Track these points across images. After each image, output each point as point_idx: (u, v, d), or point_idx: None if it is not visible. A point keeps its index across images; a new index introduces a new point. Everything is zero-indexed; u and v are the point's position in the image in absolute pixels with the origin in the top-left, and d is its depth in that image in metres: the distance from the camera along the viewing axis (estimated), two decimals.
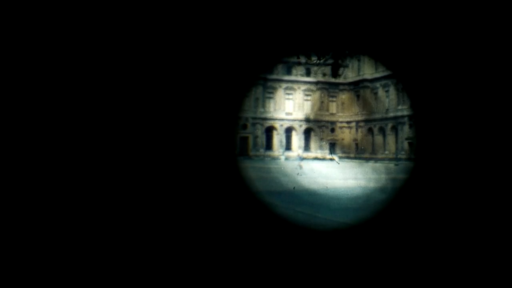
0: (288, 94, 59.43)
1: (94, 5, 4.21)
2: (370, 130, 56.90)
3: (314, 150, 58.10)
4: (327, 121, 60.39)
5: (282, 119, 59.02)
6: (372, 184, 20.18)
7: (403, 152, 49.63)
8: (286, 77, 58.74)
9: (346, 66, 58.25)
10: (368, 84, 57.43)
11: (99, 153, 4.28)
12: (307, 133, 59.72)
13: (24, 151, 4.05)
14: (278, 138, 58.81)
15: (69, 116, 4.16)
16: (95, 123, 4.27)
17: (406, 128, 50.10)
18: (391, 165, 42.69)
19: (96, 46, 4.25)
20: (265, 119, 58.26)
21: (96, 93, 4.28)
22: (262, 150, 57.22)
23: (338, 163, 44.72)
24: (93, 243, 4.15)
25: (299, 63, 55.78)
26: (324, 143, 59.56)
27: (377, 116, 55.46)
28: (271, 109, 59.06)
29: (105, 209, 4.24)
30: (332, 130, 60.45)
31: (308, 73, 59.60)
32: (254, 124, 57.31)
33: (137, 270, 4.06)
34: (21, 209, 3.98)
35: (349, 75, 59.73)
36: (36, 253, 3.96)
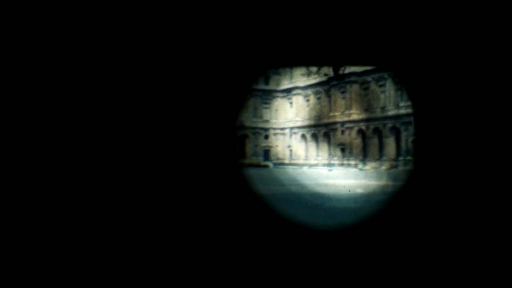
0: None
1: (94, 5, 4.15)
2: (303, 137, 58.66)
3: (249, 157, 58.67)
4: (261, 128, 61.28)
5: None
6: None
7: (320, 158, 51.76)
8: None
9: (279, 74, 59.80)
10: (300, 92, 59.24)
11: (99, 157, 4.22)
12: (242, 140, 60.25)
13: (24, 151, 3.96)
14: None
15: (69, 117, 4.10)
16: (94, 127, 4.21)
17: (338, 134, 52.17)
18: (326, 170, 44.27)
19: (96, 46, 4.19)
20: None
21: (96, 97, 4.21)
22: None
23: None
24: (93, 244, 4.10)
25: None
26: (259, 149, 60.34)
27: (312, 122, 57.21)
28: None
29: (105, 211, 4.20)
30: (266, 137, 61.42)
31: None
32: None
33: (137, 271, 4.05)
34: (21, 209, 3.92)
35: (283, 82, 61.28)
36: (36, 253, 3.89)
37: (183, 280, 4.17)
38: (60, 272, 3.90)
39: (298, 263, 4.53)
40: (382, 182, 25.09)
